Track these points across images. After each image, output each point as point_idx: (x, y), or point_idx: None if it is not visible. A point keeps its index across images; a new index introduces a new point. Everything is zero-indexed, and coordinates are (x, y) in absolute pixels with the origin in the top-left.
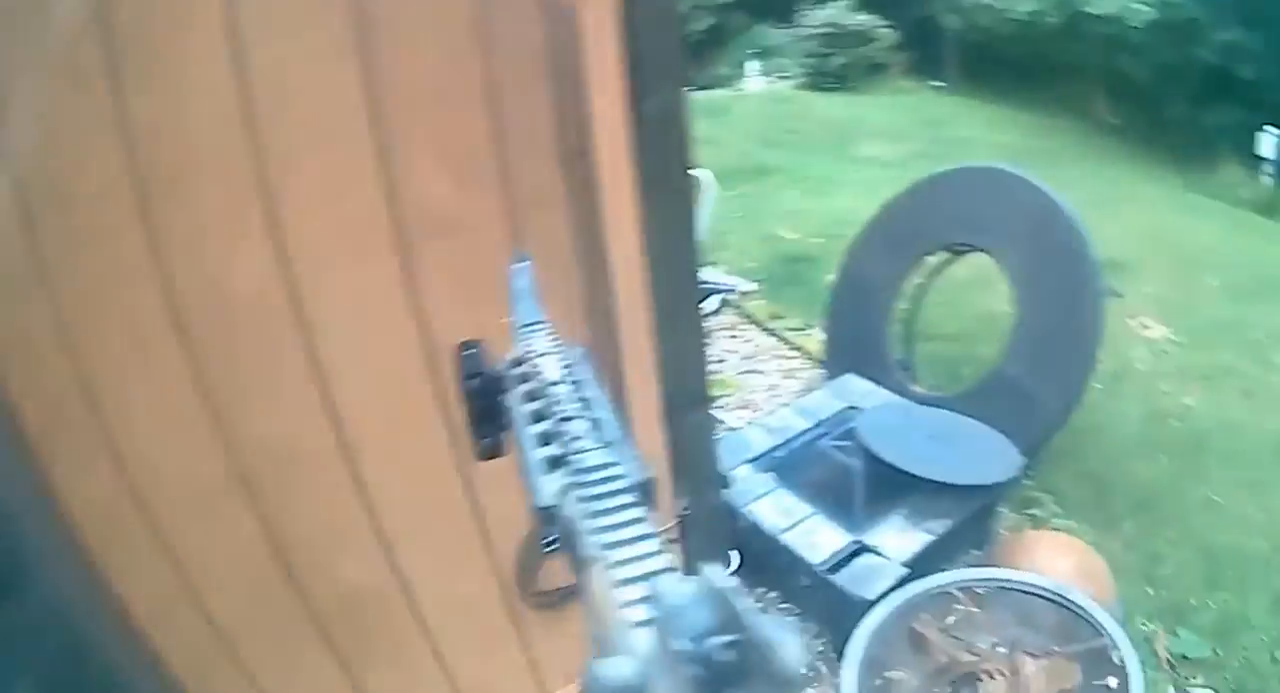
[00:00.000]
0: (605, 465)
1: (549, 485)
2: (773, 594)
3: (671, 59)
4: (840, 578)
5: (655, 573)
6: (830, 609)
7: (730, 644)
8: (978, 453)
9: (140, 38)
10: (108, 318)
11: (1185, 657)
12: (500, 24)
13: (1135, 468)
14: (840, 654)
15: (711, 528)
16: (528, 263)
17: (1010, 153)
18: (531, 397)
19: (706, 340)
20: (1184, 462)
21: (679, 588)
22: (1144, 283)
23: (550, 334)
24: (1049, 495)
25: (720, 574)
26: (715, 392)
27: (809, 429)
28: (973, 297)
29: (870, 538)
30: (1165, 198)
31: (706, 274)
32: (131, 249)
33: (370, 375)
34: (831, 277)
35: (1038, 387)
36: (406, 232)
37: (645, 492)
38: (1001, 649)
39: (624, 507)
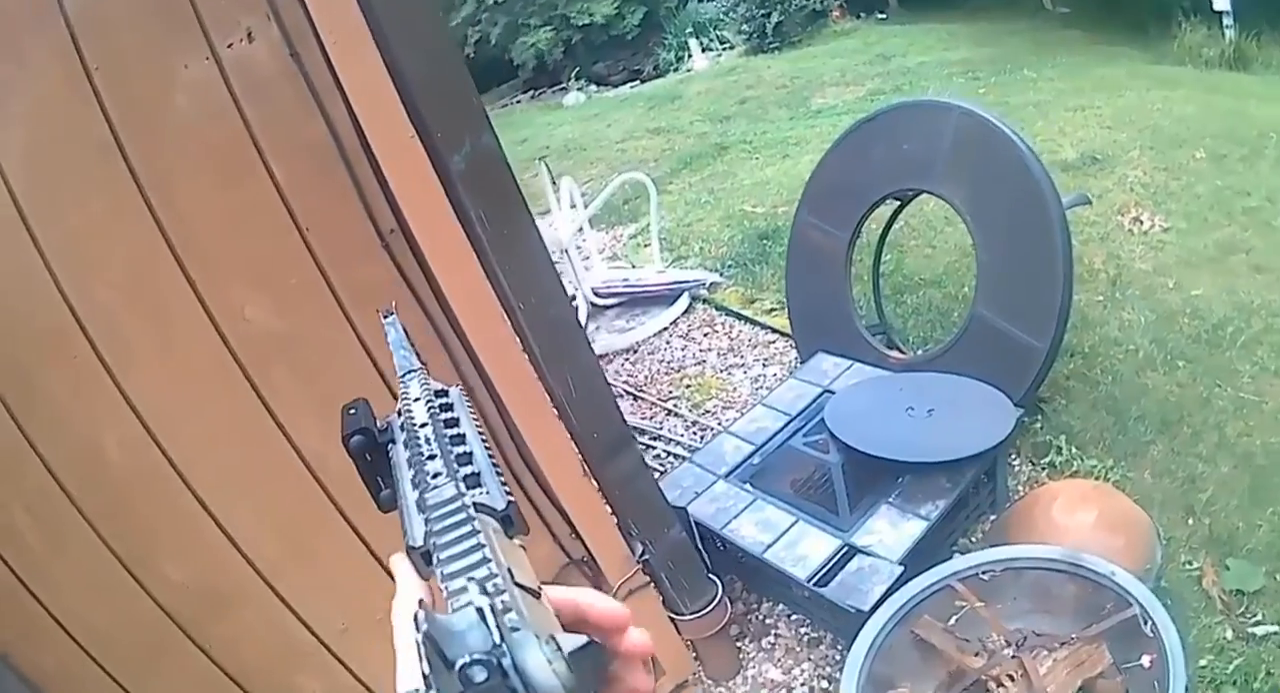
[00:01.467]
0: (453, 499)
1: (419, 528)
2: (780, 607)
3: (461, 109)
4: (832, 591)
5: (468, 603)
6: (835, 619)
7: (484, 667)
8: (965, 416)
9: None
10: (14, 503)
11: (1240, 592)
12: (276, 132)
13: (1153, 382)
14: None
15: (680, 564)
16: (394, 316)
17: (966, 67)
18: (406, 444)
19: (604, 380)
20: (1204, 363)
21: (454, 614)
22: (1127, 172)
23: (422, 380)
24: (1062, 436)
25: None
26: (697, 397)
27: (784, 427)
28: (951, 232)
29: (860, 538)
30: (1131, 77)
31: (672, 274)
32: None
33: (260, 501)
34: None
35: (1017, 324)
36: (248, 363)
37: (509, 520)
38: (1008, 650)
39: (462, 538)
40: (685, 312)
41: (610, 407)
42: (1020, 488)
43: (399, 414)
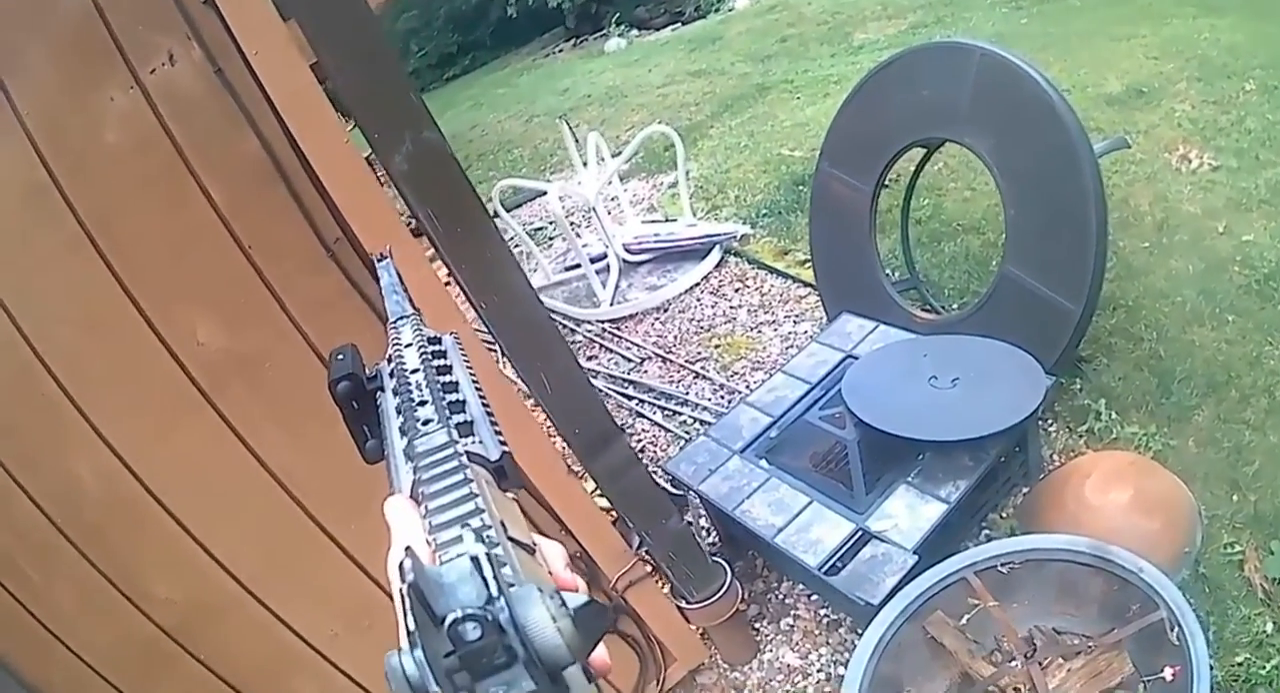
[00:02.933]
0: (444, 446)
1: (406, 477)
2: (800, 586)
3: (397, 106)
4: (842, 581)
5: (462, 553)
6: (849, 605)
7: (478, 622)
8: (991, 386)
9: None
10: (6, 533)
11: None
12: (209, 153)
13: (1200, 338)
14: None
15: (682, 553)
16: (388, 260)
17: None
18: (395, 391)
19: (584, 375)
20: (1255, 318)
21: (447, 565)
22: (1175, 106)
23: (415, 326)
24: (1102, 400)
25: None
26: (726, 357)
27: (803, 396)
28: (973, 181)
29: (875, 522)
30: (1178, 4)
31: (703, 227)
32: None
33: (236, 518)
34: None
35: (1048, 283)
36: (206, 385)
37: (503, 471)
38: (1015, 662)
39: (453, 486)
40: (717, 266)
41: (592, 401)
42: (1056, 457)
43: (389, 361)
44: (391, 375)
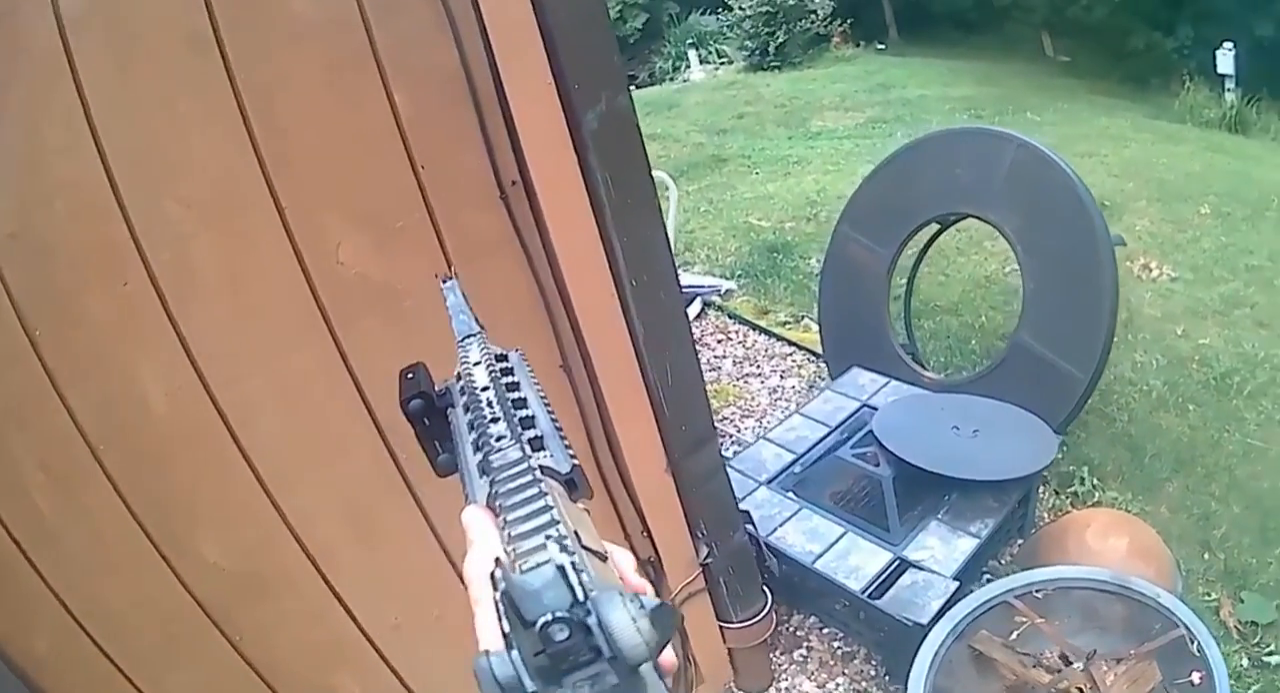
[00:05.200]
0: (519, 461)
1: (482, 490)
2: (811, 620)
3: (603, 63)
4: (888, 604)
5: (547, 561)
6: (881, 634)
7: (565, 624)
8: (1009, 439)
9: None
10: (27, 458)
11: (1254, 623)
12: (404, 55)
13: (1167, 422)
14: (895, 678)
15: (740, 570)
16: (454, 281)
17: (966, 105)
18: (467, 407)
19: (700, 372)
20: (1214, 408)
21: (533, 572)
22: (1135, 221)
23: (482, 343)
24: (1084, 467)
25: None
26: (715, 403)
27: (824, 437)
28: (964, 262)
29: (912, 552)
30: (1133, 129)
31: (686, 278)
32: (31, 379)
33: (324, 473)
34: (813, 262)
35: (1060, 354)
36: (333, 312)
37: (573, 483)
38: (1075, 661)
39: (530, 499)
40: (697, 317)
41: (702, 400)
42: (1045, 515)
43: (458, 378)
44: (462, 392)
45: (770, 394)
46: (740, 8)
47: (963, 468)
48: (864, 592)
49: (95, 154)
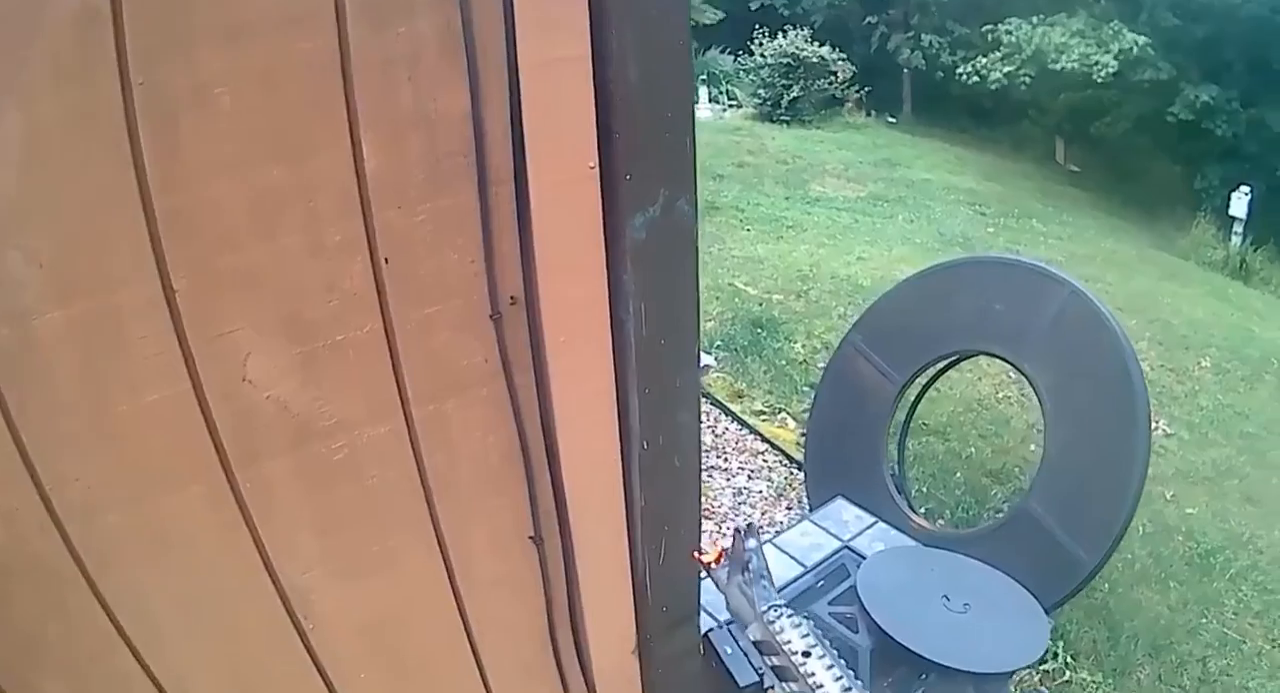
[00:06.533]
0: None
1: None
2: None
3: (676, 148)
4: None
5: None
6: None
7: None
8: (1000, 621)
9: None
10: None
11: None
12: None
13: (1146, 599)
14: None
15: None
16: (758, 544)
17: (970, 198)
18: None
19: (699, 548)
20: (1195, 588)
21: None
22: None
23: (790, 616)
24: (1060, 642)
25: None
26: None
27: (798, 578)
28: (956, 378)
29: None
30: (1139, 259)
31: None
32: None
33: (212, 641)
34: (798, 346)
35: (1070, 533)
36: (229, 444)
37: None
38: None
39: None
40: None
41: (693, 585)
42: (1015, 689)
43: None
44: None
45: (734, 496)
46: (762, 54)
47: (950, 654)
48: None
49: None
